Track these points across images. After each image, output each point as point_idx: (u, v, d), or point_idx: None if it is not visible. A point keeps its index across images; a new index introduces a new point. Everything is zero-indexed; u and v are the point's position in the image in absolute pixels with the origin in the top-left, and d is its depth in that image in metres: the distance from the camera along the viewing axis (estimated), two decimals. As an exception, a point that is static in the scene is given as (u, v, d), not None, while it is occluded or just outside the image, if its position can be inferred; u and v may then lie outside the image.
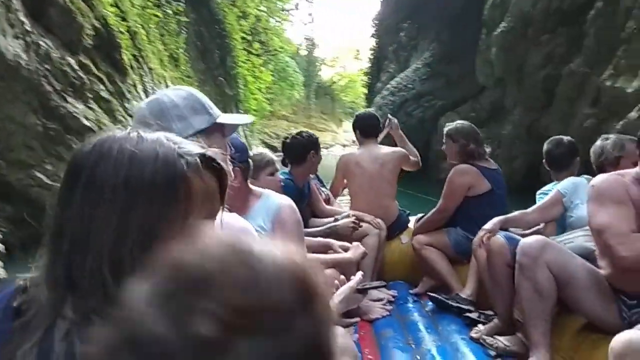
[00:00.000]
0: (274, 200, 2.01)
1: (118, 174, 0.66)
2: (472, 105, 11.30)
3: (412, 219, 3.74)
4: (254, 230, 1.33)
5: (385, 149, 3.74)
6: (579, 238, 2.42)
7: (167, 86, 12.66)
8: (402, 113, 11.36)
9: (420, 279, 3.44)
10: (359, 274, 1.71)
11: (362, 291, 1.72)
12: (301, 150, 3.34)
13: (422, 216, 3.54)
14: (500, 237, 2.49)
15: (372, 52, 15.86)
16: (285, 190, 2.79)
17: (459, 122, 3.41)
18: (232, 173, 1.33)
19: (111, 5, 9.21)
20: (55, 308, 0.64)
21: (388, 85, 11.99)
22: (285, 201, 2.02)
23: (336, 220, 3.18)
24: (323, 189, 3.92)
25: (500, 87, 7.89)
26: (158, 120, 1.25)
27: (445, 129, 3.34)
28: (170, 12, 14.40)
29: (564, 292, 2.11)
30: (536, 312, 2.13)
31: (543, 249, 2.13)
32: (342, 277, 1.69)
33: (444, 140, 3.33)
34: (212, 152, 0.75)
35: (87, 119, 7.37)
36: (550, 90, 6.13)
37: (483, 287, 2.83)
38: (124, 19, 9.87)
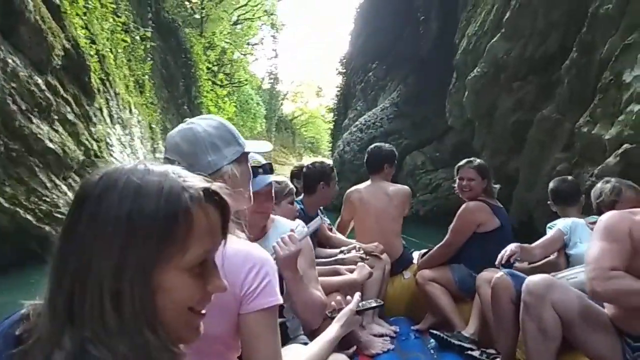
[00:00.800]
0: (286, 226, 2.03)
1: (122, 207, 0.67)
2: (436, 146, 11.62)
3: (416, 255, 3.73)
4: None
5: (392, 186, 3.71)
6: (581, 274, 2.41)
7: (131, 112, 12.40)
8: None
9: (423, 315, 3.38)
10: (357, 295, 1.72)
11: (360, 312, 1.71)
12: (311, 181, 3.38)
13: (427, 251, 3.51)
14: (504, 274, 2.49)
15: (339, 89, 16.20)
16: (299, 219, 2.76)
17: (478, 159, 3.41)
18: (251, 198, 1.46)
19: (82, 27, 9.02)
20: (53, 339, 0.65)
21: (357, 123, 12.20)
22: (297, 227, 2.02)
23: (342, 252, 3.19)
24: (325, 218, 3.87)
25: (468, 129, 8.15)
26: (191, 149, 1.29)
27: (473, 165, 3.28)
28: (138, 38, 14.24)
29: (568, 331, 2.09)
30: (540, 352, 2.11)
31: (549, 288, 2.11)
32: (339, 298, 1.71)
33: (471, 176, 3.21)
34: (216, 186, 0.76)
35: (51, 141, 7.06)
36: (518, 135, 6.38)
37: (486, 326, 2.80)
38: (93, 42, 9.66)
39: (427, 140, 11.61)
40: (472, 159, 3.39)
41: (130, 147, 11.50)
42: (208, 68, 22.48)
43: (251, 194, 1.58)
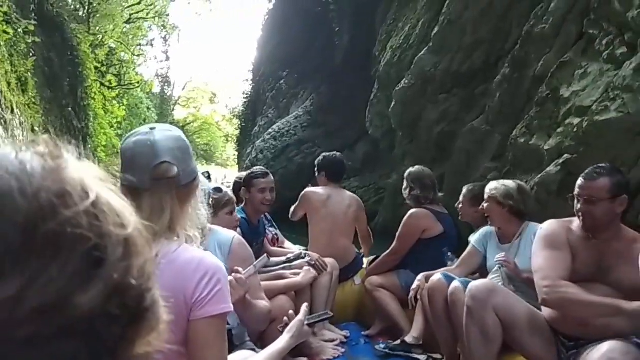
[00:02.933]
0: (224, 236, 2.11)
1: None
2: (348, 155, 11.85)
3: (365, 261, 3.81)
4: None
5: (348, 193, 3.85)
6: (496, 279, 2.64)
7: (13, 112, 11.02)
8: (284, 158, 11.43)
9: (373, 321, 3.48)
10: (305, 306, 1.78)
11: (310, 325, 1.77)
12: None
13: (375, 258, 3.61)
14: (440, 277, 2.64)
15: (247, 96, 15.90)
16: (241, 228, 2.91)
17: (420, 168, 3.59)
18: None
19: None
20: None
21: (270, 130, 12.03)
22: (235, 236, 2.14)
23: (289, 260, 3.26)
24: (271, 228, 3.88)
25: (388, 138, 8.41)
26: (184, 156, 1.34)
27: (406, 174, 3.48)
28: (20, 31, 12.72)
29: (508, 334, 2.19)
30: (482, 354, 2.20)
31: (491, 293, 2.21)
32: (292, 312, 1.78)
33: (412, 185, 3.40)
34: None
35: None
36: (442, 145, 6.70)
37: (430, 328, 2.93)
38: (-28, 31, 8.43)
39: (339, 149, 11.63)
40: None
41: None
42: (96, 68, 20.83)
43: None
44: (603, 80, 3.70)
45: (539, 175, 4.14)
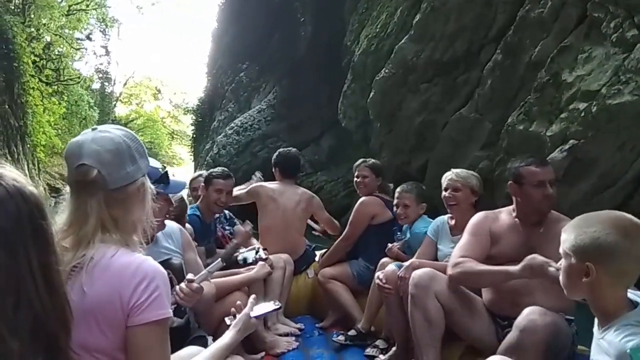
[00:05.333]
0: (170, 226, 2.34)
1: None
2: (313, 149, 11.64)
3: (318, 254, 3.90)
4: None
5: (301, 189, 3.96)
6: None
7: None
8: (248, 153, 11.07)
9: (327, 313, 3.58)
10: (252, 298, 1.80)
11: (258, 317, 1.79)
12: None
13: (326, 251, 3.73)
14: (392, 265, 2.79)
15: (204, 90, 15.29)
16: (191, 224, 3.06)
17: (372, 159, 3.77)
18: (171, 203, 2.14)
19: None
20: None
21: (232, 125, 11.59)
22: (177, 225, 2.46)
23: (240, 254, 3.24)
24: (227, 227, 3.90)
25: (362, 130, 8.26)
26: (114, 159, 1.30)
27: (368, 163, 3.63)
28: (-50, 20, 11.62)
29: (450, 319, 2.34)
30: (426, 340, 2.33)
31: (432, 280, 2.34)
32: (239, 303, 1.80)
33: (365, 174, 3.57)
34: None
35: None
36: (421, 135, 6.61)
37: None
38: None
39: (304, 143, 11.55)
40: (367, 158, 3.75)
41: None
42: (34, 62, 19.47)
43: (171, 199, 2.15)
44: (610, 63, 3.68)
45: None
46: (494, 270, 2.16)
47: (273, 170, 3.98)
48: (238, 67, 12.92)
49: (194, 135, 15.71)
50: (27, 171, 19.08)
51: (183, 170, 43.59)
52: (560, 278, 1.41)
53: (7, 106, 17.13)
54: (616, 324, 1.27)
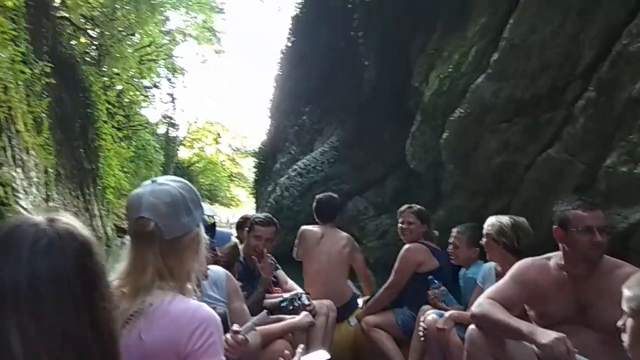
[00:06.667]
0: (215, 272, 2.28)
1: None
2: (376, 191, 11.42)
3: (360, 301, 3.88)
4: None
5: (344, 233, 3.90)
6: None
7: (28, 153, 10.64)
8: (311, 195, 10.94)
9: None
10: (300, 348, 1.79)
11: None
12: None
13: (370, 298, 3.71)
14: (433, 315, 2.78)
15: (267, 133, 15.62)
16: (237, 271, 3.07)
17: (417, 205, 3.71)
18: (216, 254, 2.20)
19: (-15, 50, 7.52)
20: None
21: (295, 167, 11.63)
22: (224, 271, 2.37)
23: (284, 300, 3.24)
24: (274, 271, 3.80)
25: (432, 172, 7.98)
26: (170, 210, 1.36)
27: (413, 210, 3.60)
28: (37, 71, 12.51)
29: None
30: None
31: (488, 338, 2.19)
32: (287, 352, 1.80)
33: (411, 220, 3.54)
34: None
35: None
36: (500, 177, 6.27)
37: None
38: (-6, 69, 8.13)
39: (367, 185, 11.37)
40: (412, 204, 3.71)
41: (30, 194, 9.79)
42: (107, 109, 20.64)
43: (217, 250, 2.23)
44: None
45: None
46: (511, 325, 2.04)
47: (315, 216, 3.98)
48: (300, 110, 13.09)
49: (256, 178, 15.96)
50: (96, 212, 19.92)
51: (242, 211, 44.61)
52: (625, 338, 1.27)
53: (81, 150, 18.09)
54: None
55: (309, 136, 12.71)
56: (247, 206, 41.23)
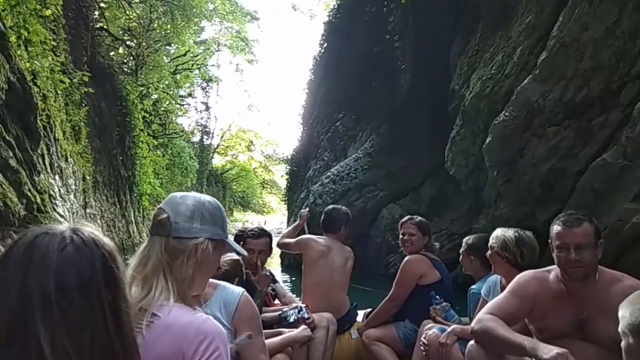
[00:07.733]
0: (231, 293, 1.99)
1: None
2: (413, 198, 11.08)
3: (360, 313, 3.84)
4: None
5: (346, 247, 3.84)
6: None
7: (67, 160, 10.83)
8: (344, 202, 10.70)
9: None
10: None
11: None
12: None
13: (371, 310, 3.63)
14: (435, 329, 2.76)
15: (299, 140, 15.51)
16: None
17: (419, 217, 3.67)
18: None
19: (26, 61, 7.62)
20: None
21: (328, 174, 11.41)
22: (243, 294, 2.03)
23: (283, 312, 3.19)
24: (271, 284, 3.73)
25: (472, 179, 7.64)
26: (186, 211, 1.43)
27: (415, 221, 3.56)
28: (75, 81, 12.77)
29: None
30: None
31: (487, 353, 2.16)
32: None
33: (412, 232, 3.48)
34: None
35: (-10, 192, 5.57)
36: (549, 184, 5.89)
37: None
38: (34, 78, 8.24)
39: (403, 192, 11.05)
40: (413, 216, 3.68)
41: (67, 201, 9.92)
42: (143, 117, 20.98)
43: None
44: None
45: None
46: (512, 340, 2.00)
47: (322, 227, 3.91)
48: (334, 116, 12.90)
49: (289, 184, 15.84)
50: (133, 218, 20.22)
51: (273, 218, 44.69)
52: (624, 357, 1.27)
53: (119, 157, 18.41)
54: None
55: (343, 142, 12.49)
56: (279, 213, 41.27)
